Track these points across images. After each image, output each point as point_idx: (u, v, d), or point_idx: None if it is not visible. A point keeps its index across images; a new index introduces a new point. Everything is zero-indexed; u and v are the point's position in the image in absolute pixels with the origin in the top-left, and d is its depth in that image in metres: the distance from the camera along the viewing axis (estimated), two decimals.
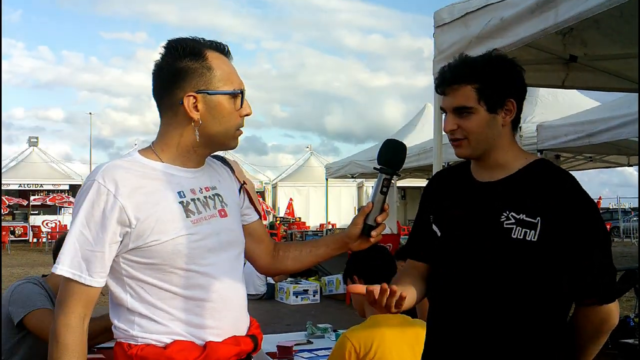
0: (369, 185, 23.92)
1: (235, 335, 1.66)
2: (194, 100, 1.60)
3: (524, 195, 1.70)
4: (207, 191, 1.69)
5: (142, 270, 1.57)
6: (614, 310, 1.69)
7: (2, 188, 24.97)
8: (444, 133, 2.90)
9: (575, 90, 7.16)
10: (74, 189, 26.70)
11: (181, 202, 1.60)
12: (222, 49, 1.67)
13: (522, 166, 1.75)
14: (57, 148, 56.65)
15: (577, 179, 1.72)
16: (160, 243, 1.55)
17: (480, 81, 1.72)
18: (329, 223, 17.46)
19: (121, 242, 1.54)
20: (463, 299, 1.75)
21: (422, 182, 16.66)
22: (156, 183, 1.59)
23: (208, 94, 1.61)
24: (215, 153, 1.80)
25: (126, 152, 29.98)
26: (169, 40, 1.65)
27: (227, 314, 1.66)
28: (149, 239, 1.54)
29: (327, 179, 14.34)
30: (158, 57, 1.65)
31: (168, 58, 1.62)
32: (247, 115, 1.69)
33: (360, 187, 25.69)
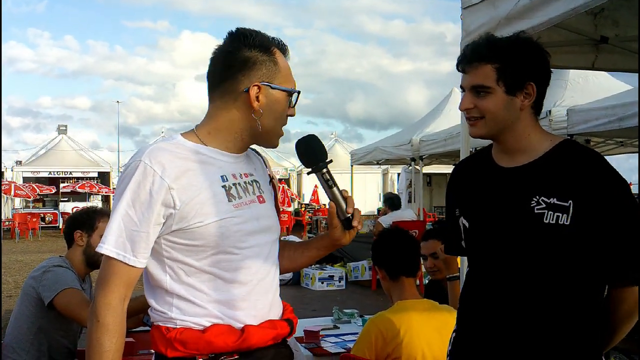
0: (394, 172, 23.84)
1: (271, 319, 1.68)
2: (258, 91, 1.63)
3: (553, 178, 1.67)
4: (246, 177, 1.71)
5: (184, 252, 1.59)
6: None
7: (34, 176, 25.49)
8: None
9: (606, 73, 7.01)
10: (102, 176, 27.14)
11: (224, 186, 1.63)
12: (283, 49, 1.71)
13: (548, 149, 1.72)
14: (84, 136, 57.59)
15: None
16: (203, 225, 1.57)
17: (501, 61, 1.70)
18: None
19: (164, 223, 1.56)
20: (497, 287, 1.74)
21: (448, 168, 16.53)
22: (200, 166, 1.61)
23: (271, 87, 1.65)
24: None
25: (152, 140, 30.54)
26: (238, 28, 1.68)
27: (264, 297, 1.68)
28: (192, 220, 1.56)
29: (352, 166, 14.30)
30: (222, 42, 1.68)
31: (236, 44, 1.65)
32: (292, 115, 1.73)
33: (385, 174, 25.62)
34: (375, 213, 17.15)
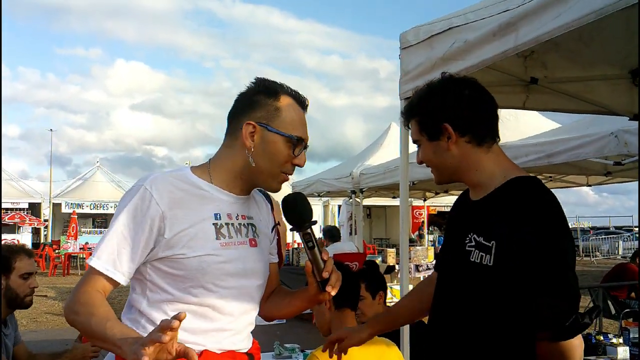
0: (335, 204, 23.96)
1: (233, 350, 1.71)
2: (252, 130, 1.69)
3: (486, 217, 1.66)
4: (243, 219, 1.75)
5: (165, 279, 1.65)
6: (572, 348, 1.56)
7: None
8: (410, 152, 2.94)
9: (536, 112, 7.34)
10: (33, 207, 26.08)
11: (215, 224, 1.67)
12: (300, 100, 1.76)
13: (500, 184, 1.70)
14: (14, 165, 55.38)
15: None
16: (186, 257, 1.62)
17: (419, 114, 1.81)
18: (295, 242, 17.40)
19: (152, 249, 1.62)
20: (440, 319, 1.80)
21: (388, 201, 16.76)
22: (197, 201, 1.67)
23: (267, 129, 1.69)
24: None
25: (86, 170, 29.51)
26: (260, 77, 1.77)
27: (230, 338, 1.70)
28: (178, 251, 1.62)
29: None
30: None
31: (249, 89, 1.75)
32: (297, 165, 1.74)
33: (326, 206, 25.70)
34: None
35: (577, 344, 1.57)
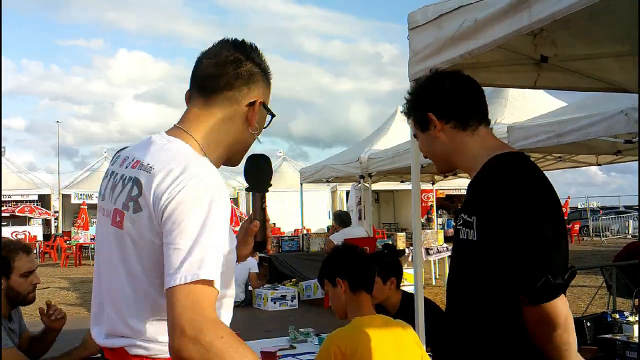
0: (343, 189, 23.98)
1: None
2: (258, 107, 1.60)
3: (470, 195, 1.77)
4: None
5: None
6: (553, 310, 1.56)
7: None
8: None
9: (542, 90, 7.30)
10: (42, 199, 26.21)
11: None
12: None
13: (482, 165, 1.77)
14: (21, 157, 55.66)
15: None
16: (231, 252, 1.49)
17: (412, 109, 1.94)
18: (304, 228, 17.46)
19: None
20: (449, 296, 1.87)
21: (395, 185, 16.74)
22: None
23: (265, 106, 1.63)
24: None
25: (93, 161, 29.37)
26: (245, 40, 1.63)
27: None
28: (228, 246, 1.45)
29: (301, 184, 14.31)
30: (220, 48, 1.59)
31: (244, 53, 1.59)
32: None
33: (334, 192, 25.73)
34: (325, 231, 17.17)
35: (559, 305, 1.56)
